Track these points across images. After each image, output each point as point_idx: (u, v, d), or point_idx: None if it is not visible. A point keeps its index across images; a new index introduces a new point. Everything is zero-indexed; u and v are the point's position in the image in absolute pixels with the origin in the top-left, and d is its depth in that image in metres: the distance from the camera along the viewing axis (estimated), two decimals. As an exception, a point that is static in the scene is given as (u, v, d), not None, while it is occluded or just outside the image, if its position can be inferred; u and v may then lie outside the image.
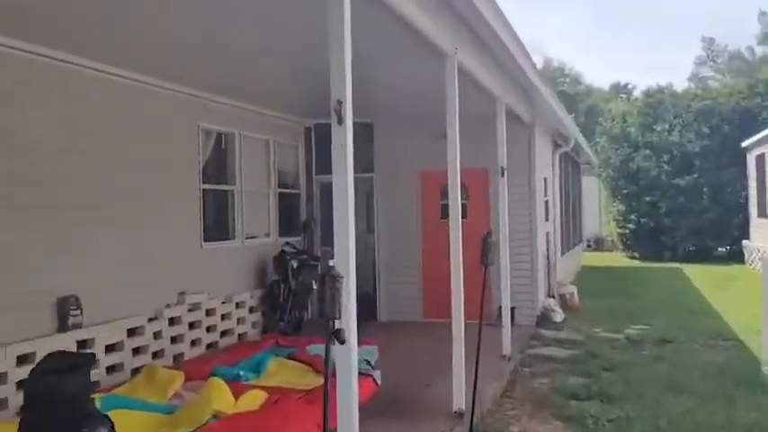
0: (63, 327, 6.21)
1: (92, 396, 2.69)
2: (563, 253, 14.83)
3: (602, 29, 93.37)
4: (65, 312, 6.24)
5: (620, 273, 19.12)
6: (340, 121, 3.34)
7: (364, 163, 10.88)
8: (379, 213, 10.89)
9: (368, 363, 7.16)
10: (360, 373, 6.66)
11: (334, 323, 2.66)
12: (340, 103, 3.33)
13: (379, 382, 6.58)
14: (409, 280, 10.64)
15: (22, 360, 5.70)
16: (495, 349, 7.93)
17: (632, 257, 23.47)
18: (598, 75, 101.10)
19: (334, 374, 3.08)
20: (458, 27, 5.34)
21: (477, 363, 5.29)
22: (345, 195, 3.39)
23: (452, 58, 5.57)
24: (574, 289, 12.33)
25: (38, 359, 5.79)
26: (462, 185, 10.23)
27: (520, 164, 10.01)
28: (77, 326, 6.32)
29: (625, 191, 23.45)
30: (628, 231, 23.57)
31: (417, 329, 9.73)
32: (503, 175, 7.72)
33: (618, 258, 23.56)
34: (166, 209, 7.76)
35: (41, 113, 6.10)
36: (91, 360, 2.90)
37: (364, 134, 10.86)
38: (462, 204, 10.27)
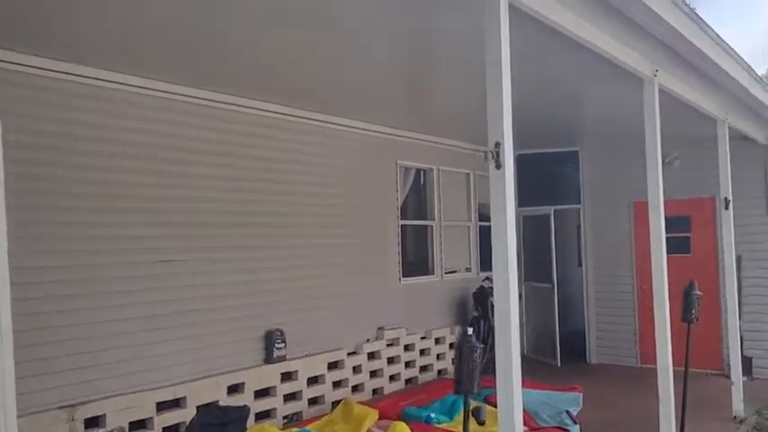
0: (269, 359, 6.65)
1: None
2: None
3: None
4: (271, 345, 6.68)
5: None
6: (498, 165, 3.10)
7: (570, 193, 10.30)
8: (588, 247, 10.18)
9: (568, 414, 6.63)
10: (557, 427, 6.25)
11: (469, 400, 2.41)
12: (498, 145, 3.09)
13: (576, 439, 6.05)
14: (623, 320, 9.75)
15: (232, 390, 6.19)
16: (723, 408, 6.88)
17: None
18: None
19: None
20: (657, 50, 4.78)
21: (682, 425, 4.56)
22: (506, 246, 3.13)
23: (652, 82, 5.01)
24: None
25: (246, 390, 6.27)
26: (684, 217, 9.36)
27: (754, 191, 8.71)
28: (282, 358, 6.73)
29: None
30: None
31: (631, 376, 8.85)
32: (726, 207, 6.73)
33: None
34: (366, 245, 8.00)
35: (253, 161, 6.63)
36: (245, 414, 2.98)
37: (569, 163, 10.31)
38: (684, 237, 9.40)
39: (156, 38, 4.63)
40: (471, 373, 2.41)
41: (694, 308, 4.33)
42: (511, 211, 3.19)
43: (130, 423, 5.29)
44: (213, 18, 4.21)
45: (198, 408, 5.65)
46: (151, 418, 5.44)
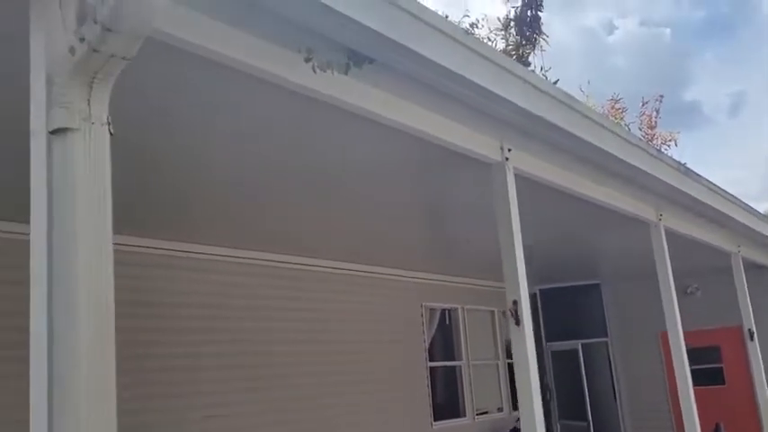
0: None
1: None
2: None
3: None
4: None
5: None
6: (517, 322, 3.37)
7: (596, 327, 10.37)
8: (620, 379, 10.08)
9: None
10: None
11: None
12: (515, 303, 3.38)
13: None
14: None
15: None
16: None
17: None
18: None
19: None
20: (657, 198, 5.17)
21: None
22: (530, 398, 3.31)
23: (658, 226, 5.35)
24: None
25: None
26: (713, 346, 9.33)
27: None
28: None
29: None
30: None
31: None
32: (752, 338, 6.82)
33: None
34: (396, 389, 8.07)
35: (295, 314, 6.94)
36: None
37: (592, 296, 10.46)
38: (717, 368, 9.32)
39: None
40: None
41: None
42: (533, 364, 3.39)
43: None
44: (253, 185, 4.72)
45: None
46: None
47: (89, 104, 1.73)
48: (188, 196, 4.70)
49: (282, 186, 4.63)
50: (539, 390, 3.42)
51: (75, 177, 1.70)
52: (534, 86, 3.27)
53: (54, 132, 1.72)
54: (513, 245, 3.44)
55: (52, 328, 1.65)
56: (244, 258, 6.53)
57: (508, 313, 3.42)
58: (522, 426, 3.38)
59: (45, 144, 1.75)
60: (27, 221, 1.79)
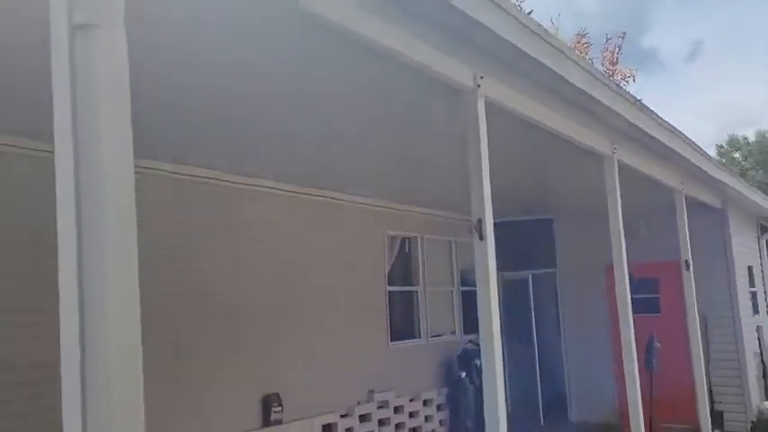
0: (266, 422, 6.98)
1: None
2: (787, 347, 13.16)
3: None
4: (268, 409, 7.02)
5: None
6: (481, 237, 3.66)
7: (545, 259, 10.91)
8: (565, 310, 10.72)
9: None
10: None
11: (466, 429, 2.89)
12: (480, 221, 3.67)
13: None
14: (602, 378, 10.18)
15: (230, 452, 6.49)
16: (696, 458, 7.31)
17: None
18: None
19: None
20: (613, 131, 5.48)
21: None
22: (489, 309, 3.65)
23: (611, 158, 5.68)
24: (801, 391, 10.84)
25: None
26: (653, 278, 9.98)
27: (714, 253, 9.40)
28: (278, 422, 7.06)
29: None
30: None
31: (611, 431, 9.24)
32: (687, 269, 7.37)
33: None
34: (356, 311, 8.46)
35: (246, 232, 7.15)
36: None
37: (544, 230, 10.96)
38: (654, 298, 10.00)
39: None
40: (466, 409, 2.88)
41: (654, 357, 4.86)
42: (493, 277, 3.73)
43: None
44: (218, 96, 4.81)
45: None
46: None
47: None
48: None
49: (246, 108, 4.72)
50: (497, 300, 3.76)
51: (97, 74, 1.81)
52: (510, 15, 3.45)
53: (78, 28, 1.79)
54: (481, 168, 3.70)
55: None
56: (206, 178, 6.65)
57: (473, 229, 3.70)
58: (482, 331, 3.72)
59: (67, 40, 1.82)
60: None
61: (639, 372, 5.54)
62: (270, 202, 7.38)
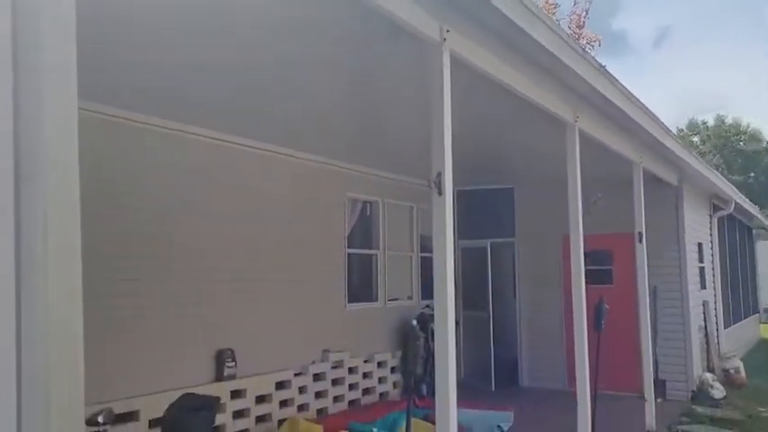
0: (219, 377, 6.96)
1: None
2: (729, 324, 13.67)
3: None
4: (221, 364, 6.99)
5: (807, 348, 17.05)
6: (440, 192, 3.66)
7: (506, 228, 11.04)
8: (521, 279, 10.90)
9: (499, 428, 7.18)
10: (488, 438, 6.79)
11: (415, 379, 2.92)
12: (439, 174, 3.65)
13: (506, 449, 6.58)
14: (552, 346, 10.44)
15: (183, 404, 6.46)
16: (638, 424, 7.56)
17: (824, 332, 20.81)
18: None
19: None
20: (576, 97, 5.51)
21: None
22: (444, 265, 3.66)
23: (573, 126, 5.72)
24: (739, 363, 11.30)
25: (196, 404, 6.54)
26: (607, 250, 10.20)
27: (667, 228, 9.64)
28: (231, 377, 7.04)
29: (811, 256, 21.13)
30: (816, 302, 21.06)
31: (559, 398, 9.45)
32: (640, 241, 7.54)
33: (807, 332, 21.00)
34: (314, 272, 8.44)
35: (203, 187, 7.04)
36: (215, 402, 3.39)
37: (505, 199, 11.06)
38: (608, 270, 10.23)
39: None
40: (415, 357, 2.91)
41: (603, 319, 4.98)
42: (450, 232, 3.73)
43: (87, 434, 5.51)
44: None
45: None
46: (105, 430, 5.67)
47: None
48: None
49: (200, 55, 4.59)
50: (453, 255, 3.77)
51: None
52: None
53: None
54: (443, 120, 3.68)
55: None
56: (160, 127, 6.49)
57: (432, 184, 3.69)
58: (436, 288, 3.73)
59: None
60: None
61: (589, 337, 5.66)
62: (229, 156, 7.26)
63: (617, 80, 5.34)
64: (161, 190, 6.48)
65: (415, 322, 3.10)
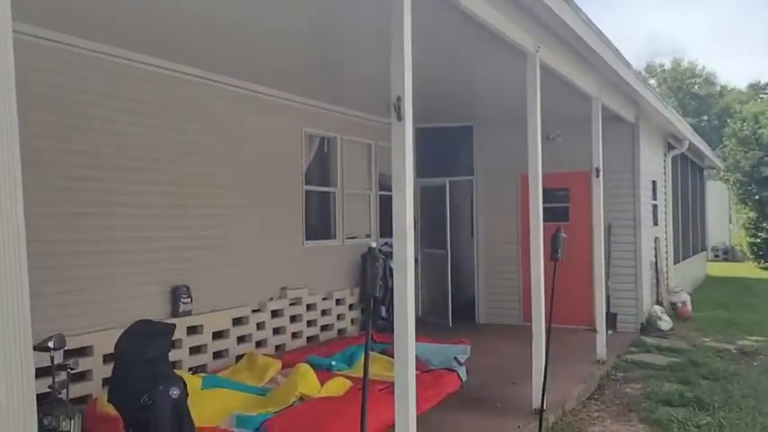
0: (175, 313, 6.86)
1: (169, 359, 3.08)
2: (678, 260, 14.11)
3: (747, 25, 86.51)
4: (177, 300, 6.88)
5: (747, 284, 17.82)
6: (399, 117, 3.54)
7: (464, 166, 11.01)
8: (479, 216, 10.96)
9: (456, 360, 7.31)
10: (445, 368, 6.92)
11: (374, 300, 2.88)
12: (399, 99, 3.53)
13: (463, 378, 6.70)
14: (508, 284, 10.62)
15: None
16: (590, 354, 7.79)
17: (765, 268, 21.77)
18: (737, 75, 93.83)
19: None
20: (538, 27, 5.40)
21: (546, 363, 5.34)
22: (404, 194, 3.59)
23: (534, 57, 5.63)
24: (686, 297, 11.72)
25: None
26: (564, 188, 10.31)
27: (623, 165, 9.75)
28: (187, 313, 6.95)
29: (756, 197, 21.87)
30: (759, 240, 21.94)
31: (514, 332, 9.68)
32: (597, 176, 7.60)
33: (749, 269, 21.94)
34: (271, 208, 8.30)
35: (160, 119, 6.77)
36: (170, 329, 3.30)
37: (464, 137, 11.00)
38: (564, 207, 10.35)
39: None
40: (374, 279, 2.86)
41: (560, 248, 5.03)
42: (410, 160, 3.64)
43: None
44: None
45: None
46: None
47: None
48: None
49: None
50: (411, 182, 3.70)
51: None
52: None
53: None
54: (403, 42, 3.53)
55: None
56: (117, 57, 6.19)
57: (391, 108, 3.57)
58: (395, 220, 3.66)
59: None
60: None
61: (545, 271, 5.72)
62: (182, 87, 6.97)
63: (581, 10, 5.23)
64: (111, 122, 6.21)
65: (374, 244, 3.03)
